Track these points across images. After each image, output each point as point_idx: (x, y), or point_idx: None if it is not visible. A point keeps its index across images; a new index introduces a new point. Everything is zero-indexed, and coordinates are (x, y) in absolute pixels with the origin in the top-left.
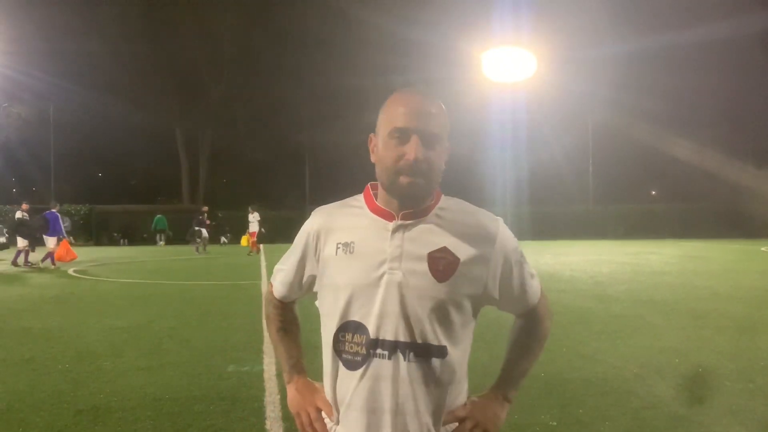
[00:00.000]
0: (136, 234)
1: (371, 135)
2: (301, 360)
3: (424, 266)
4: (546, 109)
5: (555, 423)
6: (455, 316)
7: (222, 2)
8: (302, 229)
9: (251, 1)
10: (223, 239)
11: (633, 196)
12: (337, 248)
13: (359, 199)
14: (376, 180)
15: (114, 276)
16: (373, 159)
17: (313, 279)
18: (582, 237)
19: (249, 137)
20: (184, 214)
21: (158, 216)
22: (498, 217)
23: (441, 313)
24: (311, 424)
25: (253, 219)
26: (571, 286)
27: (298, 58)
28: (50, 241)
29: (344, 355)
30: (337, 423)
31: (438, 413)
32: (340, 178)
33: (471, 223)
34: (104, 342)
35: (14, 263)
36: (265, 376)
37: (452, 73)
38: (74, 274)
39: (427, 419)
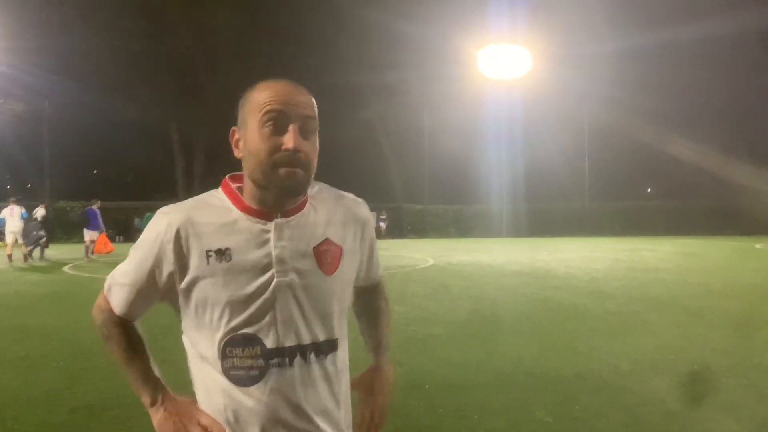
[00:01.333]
0: (131, 231)
1: (233, 129)
2: (159, 378)
3: (312, 262)
4: (542, 107)
5: (550, 419)
6: (343, 304)
7: None
8: (148, 234)
9: None
10: None
11: (628, 193)
12: (209, 256)
13: (219, 197)
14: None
15: (109, 273)
16: (238, 154)
17: (168, 291)
18: (577, 234)
19: None
20: None
21: (147, 214)
22: (362, 200)
23: (334, 306)
24: None
25: None
26: (566, 283)
27: (293, 55)
28: (90, 235)
29: (233, 372)
30: None
31: (342, 404)
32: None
33: (344, 209)
34: (99, 339)
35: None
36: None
37: (448, 70)
38: (70, 271)
39: (337, 414)
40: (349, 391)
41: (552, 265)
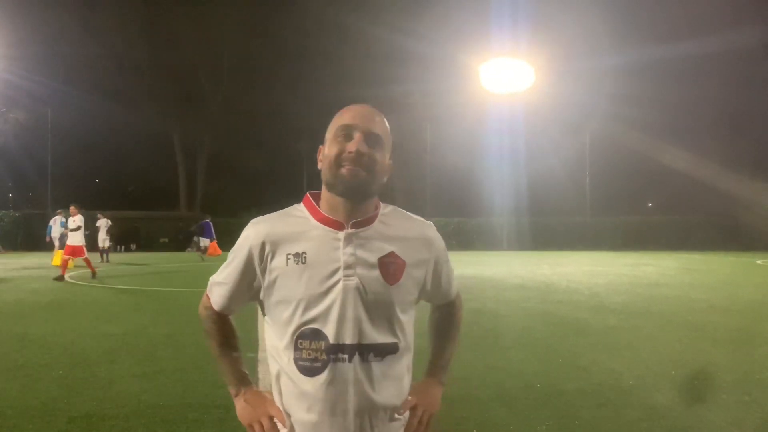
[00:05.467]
0: (132, 240)
1: (320, 147)
2: (245, 372)
3: (376, 272)
4: (543, 121)
5: None
6: (404, 314)
7: (222, 10)
8: (242, 240)
9: (251, 10)
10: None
11: (629, 208)
12: (288, 259)
13: (301, 209)
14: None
15: (109, 282)
16: (319, 166)
17: (257, 290)
18: (579, 248)
19: (247, 145)
20: (181, 221)
21: None
22: (430, 222)
23: (394, 313)
24: None
25: None
26: (568, 297)
27: (296, 68)
28: (203, 242)
29: (300, 362)
30: (292, 430)
31: (395, 406)
32: None
33: (411, 228)
34: (98, 348)
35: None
36: (260, 385)
37: (451, 85)
38: (70, 280)
39: (388, 413)
40: (406, 394)
41: (553, 279)
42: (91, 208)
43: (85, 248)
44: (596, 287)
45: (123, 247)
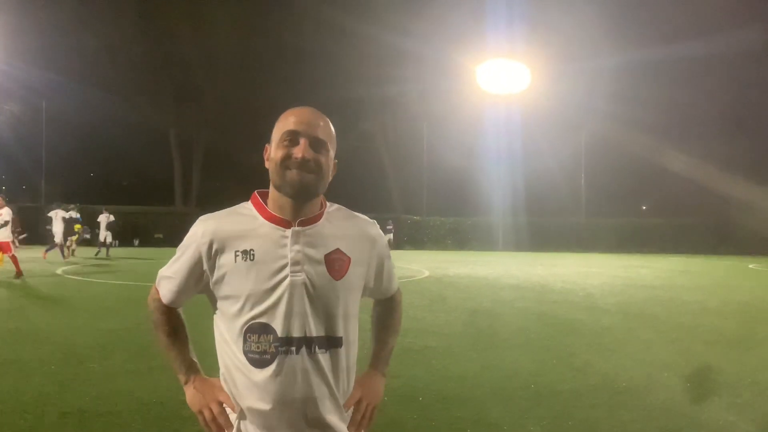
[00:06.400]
0: (135, 235)
1: (266, 145)
2: (194, 360)
3: (322, 267)
4: (539, 122)
5: None
6: (349, 308)
7: (218, 5)
8: (190, 236)
9: (248, 6)
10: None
11: (624, 210)
12: (236, 255)
13: (248, 207)
14: (266, 189)
15: (103, 277)
16: (266, 165)
17: (204, 285)
18: (573, 249)
19: (243, 141)
20: (176, 217)
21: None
22: (373, 221)
23: (340, 308)
24: (214, 419)
25: None
26: (563, 298)
27: (293, 67)
28: None
29: (250, 354)
30: (243, 417)
31: (341, 397)
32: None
33: (355, 226)
34: (92, 344)
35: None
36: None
37: (447, 85)
38: (63, 275)
39: (334, 403)
40: (351, 387)
41: (548, 280)
42: (85, 201)
43: (12, 245)
44: (591, 288)
45: (117, 242)
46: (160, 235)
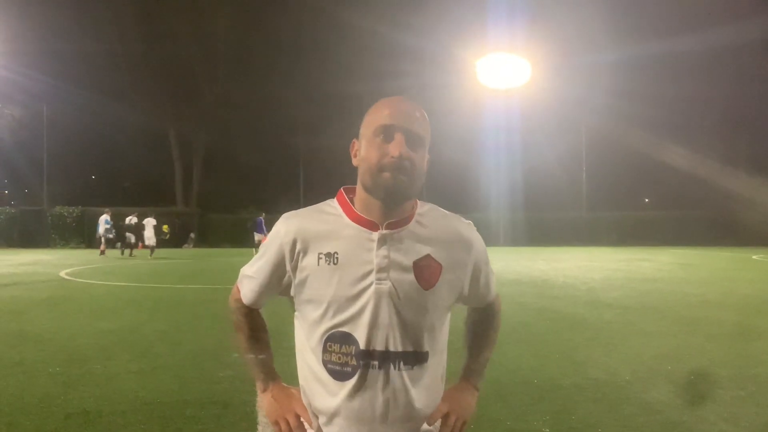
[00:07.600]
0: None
1: (354, 140)
2: (273, 367)
3: (410, 276)
4: (540, 116)
5: (547, 430)
6: (438, 320)
7: (217, 4)
8: (273, 234)
9: (246, 4)
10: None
11: (625, 203)
12: (319, 258)
13: (334, 206)
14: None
15: (105, 279)
16: (355, 162)
17: (287, 286)
18: (575, 243)
19: (243, 140)
20: (178, 217)
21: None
22: (470, 222)
23: (428, 320)
24: (290, 431)
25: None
26: (564, 293)
27: (292, 62)
28: (258, 237)
29: (330, 365)
30: (319, 431)
31: (425, 415)
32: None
33: (449, 229)
34: (95, 345)
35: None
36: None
37: (447, 80)
38: (66, 277)
39: (416, 423)
40: (437, 402)
41: (550, 275)
42: (87, 204)
43: None
44: (592, 282)
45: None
46: (166, 232)
